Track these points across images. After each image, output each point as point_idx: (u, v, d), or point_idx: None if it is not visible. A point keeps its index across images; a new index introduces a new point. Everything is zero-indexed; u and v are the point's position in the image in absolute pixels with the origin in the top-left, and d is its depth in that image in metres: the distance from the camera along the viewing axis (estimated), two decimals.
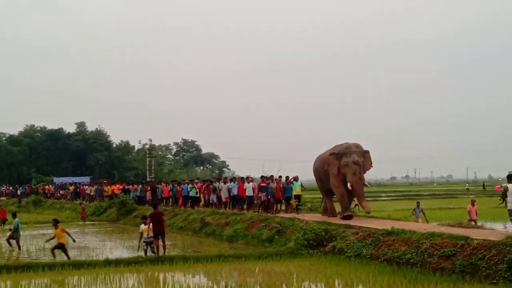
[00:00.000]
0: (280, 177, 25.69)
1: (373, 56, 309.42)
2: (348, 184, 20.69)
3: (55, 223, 18.50)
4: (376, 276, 13.25)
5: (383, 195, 60.61)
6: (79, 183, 52.31)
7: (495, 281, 11.92)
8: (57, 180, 64.94)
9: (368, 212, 21.19)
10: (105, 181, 50.07)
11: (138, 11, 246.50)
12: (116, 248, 20.45)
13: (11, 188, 64.07)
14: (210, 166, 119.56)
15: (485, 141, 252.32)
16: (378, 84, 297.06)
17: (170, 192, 33.05)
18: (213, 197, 28.43)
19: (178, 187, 32.23)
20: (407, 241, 15.06)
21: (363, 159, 21.14)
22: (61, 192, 52.33)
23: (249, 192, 25.84)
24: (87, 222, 34.09)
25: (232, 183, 27.44)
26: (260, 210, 24.90)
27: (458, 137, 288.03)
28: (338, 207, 22.02)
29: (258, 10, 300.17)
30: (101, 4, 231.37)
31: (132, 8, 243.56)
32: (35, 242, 22.81)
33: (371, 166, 21.97)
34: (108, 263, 16.02)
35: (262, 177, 26.09)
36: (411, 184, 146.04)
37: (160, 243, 17.46)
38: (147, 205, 34.10)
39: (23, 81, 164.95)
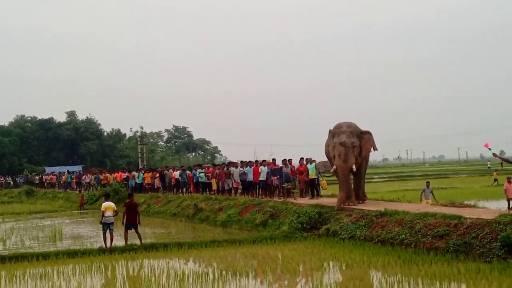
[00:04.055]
0: (302, 158, 23.52)
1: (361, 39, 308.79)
2: (332, 168, 19.78)
3: None
4: (371, 257, 13.32)
5: (376, 176, 60.66)
6: (79, 172, 52.05)
7: (489, 259, 12.02)
8: (49, 169, 64.67)
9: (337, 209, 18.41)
10: (97, 170, 49.80)
11: None
12: None
13: (3, 179, 63.92)
14: (202, 152, 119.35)
15: (476, 121, 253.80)
16: (371, 65, 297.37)
17: (180, 178, 31.24)
18: (229, 183, 26.76)
19: (190, 173, 30.80)
20: (401, 221, 15.14)
21: (356, 139, 19.25)
22: (61, 181, 51.81)
23: (263, 176, 24.11)
24: (81, 211, 34.01)
25: (249, 167, 25.45)
26: (281, 196, 23.14)
27: (449, 117, 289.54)
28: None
29: None
30: None
31: None
32: (29, 232, 22.72)
33: (371, 150, 19.99)
34: (102, 251, 16.06)
35: (283, 160, 23.90)
36: (403, 165, 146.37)
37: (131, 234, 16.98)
38: (158, 192, 33.45)
39: (12, 71, 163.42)
